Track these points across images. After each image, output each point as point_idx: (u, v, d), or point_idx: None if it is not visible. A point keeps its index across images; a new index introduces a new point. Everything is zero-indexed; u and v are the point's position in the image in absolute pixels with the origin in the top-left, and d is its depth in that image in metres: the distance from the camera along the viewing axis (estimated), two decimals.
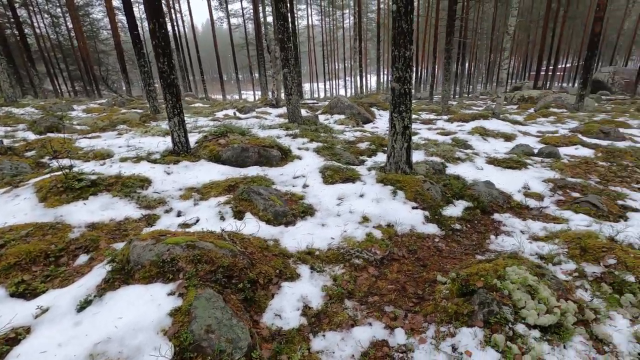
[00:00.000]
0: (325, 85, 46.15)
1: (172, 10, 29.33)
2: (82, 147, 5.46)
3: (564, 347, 1.90)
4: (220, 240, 2.52)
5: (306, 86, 53.81)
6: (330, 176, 4.43)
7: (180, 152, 5.00)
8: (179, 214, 3.46)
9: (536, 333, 1.94)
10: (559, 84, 38.07)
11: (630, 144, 6.90)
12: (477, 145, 6.82)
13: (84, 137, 6.51)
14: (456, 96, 29.46)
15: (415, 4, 35.18)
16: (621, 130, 7.86)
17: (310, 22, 40.93)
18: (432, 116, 11.05)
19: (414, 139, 7.27)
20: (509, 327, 1.96)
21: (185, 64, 32.16)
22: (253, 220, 3.21)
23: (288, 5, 6.98)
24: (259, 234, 2.98)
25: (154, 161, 4.66)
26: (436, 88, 28.00)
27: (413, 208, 3.65)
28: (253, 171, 4.64)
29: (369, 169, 4.96)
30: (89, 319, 1.86)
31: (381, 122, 9.51)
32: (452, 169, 5.27)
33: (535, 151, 6.18)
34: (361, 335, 2.03)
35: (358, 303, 2.33)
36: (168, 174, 4.34)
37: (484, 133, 7.51)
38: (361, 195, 3.88)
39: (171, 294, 2.00)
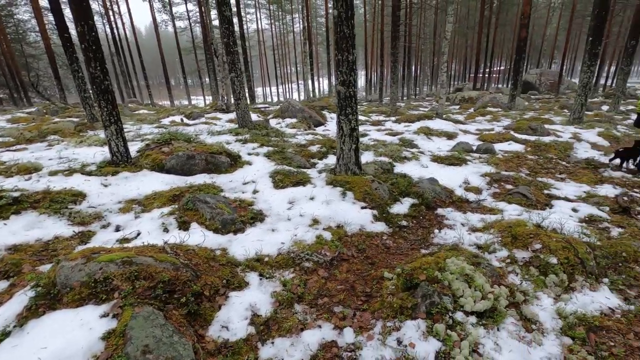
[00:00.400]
0: (278, 89, 45.98)
1: (111, 12, 27.58)
2: (3, 161, 4.92)
3: (498, 329, 2.04)
4: (161, 254, 2.39)
5: (258, 90, 53.20)
6: (280, 180, 4.40)
7: (119, 162, 4.69)
8: (117, 229, 3.24)
9: (473, 319, 2.06)
10: (495, 85, 41.19)
11: (554, 138, 7.65)
12: (423, 144, 7.17)
13: (7, 150, 5.87)
14: (404, 98, 30.79)
15: (362, 10, 36.37)
16: (546, 126, 8.68)
17: (259, 26, 40.62)
18: (381, 117, 11.44)
19: (364, 140, 7.47)
20: (449, 316, 2.07)
21: (128, 68, 30.36)
22: (199, 230, 3.09)
23: (232, 8, 6.85)
24: (206, 244, 2.87)
25: (90, 173, 4.33)
26: (386, 90, 29.08)
27: (362, 208, 3.74)
28: (200, 179, 4.47)
29: (320, 172, 5.00)
30: (6, 354, 1.67)
31: (332, 125, 9.66)
32: (399, 168, 5.47)
33: (474, 148, 6.63)
34: (310, 339, 2.03)
35: (308, 306, 2.32)
36: (105, 186, 4.05)
37: (428, 132, 7.92)
38: (311, 198, 3.90)
39: (104, 315, 1.86)
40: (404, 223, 3.66)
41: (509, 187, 4.82)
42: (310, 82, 22.29)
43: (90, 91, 11.12)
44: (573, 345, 1.94)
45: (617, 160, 5.91)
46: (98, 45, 4.32)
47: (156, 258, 2.28)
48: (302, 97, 41.35)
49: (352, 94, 4.44)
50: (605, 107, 15.11)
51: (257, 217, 3.48)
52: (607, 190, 4.72)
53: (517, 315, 2.17)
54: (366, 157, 5.87)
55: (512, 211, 3.96)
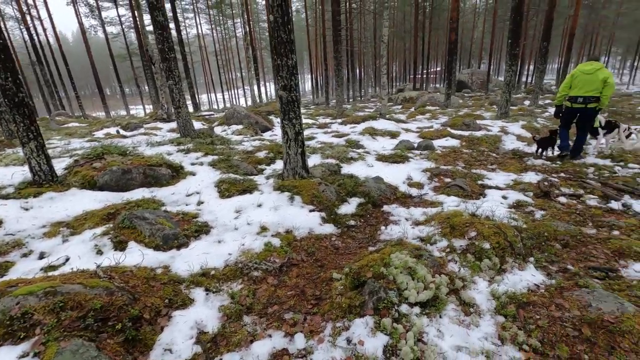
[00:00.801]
0: (224, 96, 44.81)
1: (29, 17, 25.01)
2: None
3: (440, 316, 2.15)
4: (93, 279, 2.20)
5: (203, 97, 51.47)
6: (226, 190, 4.28)
7: (42, 182, 4.24)
8: (41, 256, 2.92)
9: (417, 310, 2.15)
10: (434, 85, 43.93)
11: (485, 132, 8.31)
12: (368, 144, 7.40)
13: None
14: (351, 100, 31.62)
15: (303, 14, 36.81)
16: (478, 121, 9.41)
17: (200, 31, 39.36)
18: (328, 120, 11.63)
19: (311, 143, 7.53)
20: (395, 309, 2.14)
21: (53, 78, 27.71)
22: (138, 248, 2.89)
23: (169, 13, 6.54)
24: (145, 263, 2.69)
25: (6, 197, 3.87)
26: (332, 93, 29.71)
27: (310, 211, 3.75)
28: (138, 194, 4.19)
29: (268, 178, 4.95)
30: None
31: (280, 130, 9.61)
32: (346, 169, 5.59)
33: (415, 145, 6.98)
34: (261, 350, 1.98)
35: (257, 316, 2.27)
36: (26, 209, 3.64)
37: (373, 133, 8.20)
38: (259, 205, 3.84)
39: (24, 355, 1.66)
40: (352, 223, 3.74)
41: (448, 180, 5.14)
42: (256, 87, 22.02)
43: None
44: (505, 322, 2.10)
45: (547, 150, 6.55)
46: (7, 54, 3.88)
47: (86, 284, 2.09)
48: (249, 103, 40.78)
49: (294, 98, 4.45)
50: (527, 102, 16.74)
51: (202, 230, 3.34)
52: (531, 177, 5.22)
53: (457, 300, 2.30)
54: (314, 160, 5.92)
55: (450, 203, 4.22)
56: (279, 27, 4.17)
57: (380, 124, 9.42)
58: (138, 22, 15.50)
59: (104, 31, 27.34)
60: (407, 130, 8.99)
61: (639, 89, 34.55)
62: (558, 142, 6.32)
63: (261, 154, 6.38)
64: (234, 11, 38.22)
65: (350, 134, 8.29)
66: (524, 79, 35.56)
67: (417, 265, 2.42)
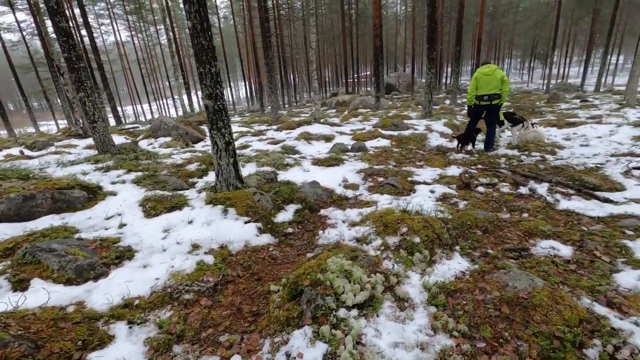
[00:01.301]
0: (151, 106, 41.99)
1: None
2: None
3: (377, 315, 2.19)
4: None
5: (129, 109, 47.76)
6: (152, 208, 3.95)
7: None
8: None
9: (355, 312, 2.16)
10: (365, 88, 45.86)
11: (412, 131, 8.85)
12: (304, 149, 7.43)
13: None
14: (286, 105, 31.68)
15: (231, 21, 36.12)
16: (405, 121, 9.99)
17: (118, 38, 36.45)
18: (263, 127, 11.47)
19: (246, 152, 7.34)
20: (333, 315, 2.12)
21: None
22: (44, 286, 2.52)
23: (68, 19, 5.85)
24: (53, 301, 2.35)
25: None
26: (268, 99, 29.56)
27: (246, 222, 3.62)
28: (46, 222, 3.68)
29: (200, 191, 4.69)
30: None
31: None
32: (283, 176, 5.52)
33: (349, 147, 7.17)
34: None
35: (189, 344, 2.10)
36: None
37: (308, 137, 8.25)
38: (190, 222, 3.60)
39: None
40: (290, 230, 3.68)
41: (381, 179, 5.34)
42: (185, 96, 20.98)
43: None
44: (437, 312, 2.21)
45: (469, 146, 7.14)
46: None
47: None
48: (180, 113, 38.70)
49: (221, 107, 4.28)
50: (447, 102, 18.25)
51: (125, 255, 3.03)
52: (453, 171, 5.65)
53: (392, 297, 2.37)
54: (249, 169, 5.76)
55: (384, 201, 4.38)
56: (199, 33, 3.98)
57: (315, 129, 9.53)
58: (42, 29, 13.84)
59: (0, 39, 23.94)
60: (341, 133, 9.21)
61: (537, 86, 39.74)
62: (481, 136, 7.05)
63: (192, 167, 6.04)
64: (155, 17, 36.10)
65: (286, 140, 8.25)
66: (443, 80, 38.83)
67: (353, 267, 2.44)
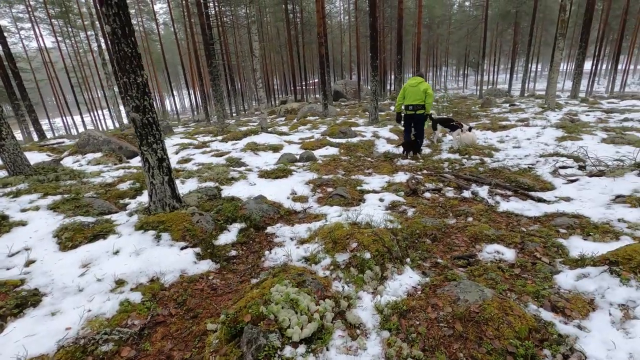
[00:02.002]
0: (83, 119, 38.55)
1: None
2: None
3: (327, 348, 1.99)
4: None
5: (57, 121, 43.49)
6: (70, 239, 3.41)
7: None
8: None
9: (302, 349, 1.94)
10: (314, 95, 46.28)
11: (360, 138, 8.91)
12: (250, 160, 7.10)
13: None
14: (234, 114, 30.82)
15: (172, 28, 34.49)
16: (353, 129, 10.07)
17: (42, 45, 33.02)
18: (208, 138, 10.91)
19: (188, 166, 6.84)
20: (277, 356, 1.88)
21: None
22: None
23: None
24: None
25: None
26: (214, 109, 28.50)
27: (182, 248, 3.25)
28: None
29: (131, 214, 4.19)
30: None
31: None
32: (227, 191, 5.17)
33: (298, 157, 6.98)
34: None
35: None
36: None
37: (255, 148, 7.94)
38: (116, 252, 3.15)
39: None
40: (233, 253, 3.38)
41: (330, 189, 5.21)
42: (121, 107, 19.48)
43: None
44: (390, 337, 2.06)
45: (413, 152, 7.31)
46: None
47: None
48: (117, 125, 35.99)
49: (151, 120, 3.87)
50: (392, 107, 18.88)
51: (29, 301, 2.52)
52: (401, 178, 5.70)
53: (343, 325, 2.18)
54: (189, 186, 5.33)
55: (334, 213, 4.23)
56: (120, 39, 3.55)
57: (263, 138, 9.24)
58: None
59: None
60: (289, 142, 9.01)
61: (471, 91, 42.96)
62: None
63: (124, 186, 5.45)
64: (85, 22, 33.31)
65: (231, 152, 7.85)
66: (388, 87, 40.42)
67: (300, 295, 2.22)
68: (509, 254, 3.14)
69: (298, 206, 4.68)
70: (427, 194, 4.92)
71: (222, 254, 3.30)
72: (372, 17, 10.70)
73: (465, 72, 52.47)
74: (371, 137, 9.07)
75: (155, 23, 31.96)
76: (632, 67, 52.43)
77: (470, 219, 4.03)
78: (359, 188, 5.23)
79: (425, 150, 7.67)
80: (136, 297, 2.55)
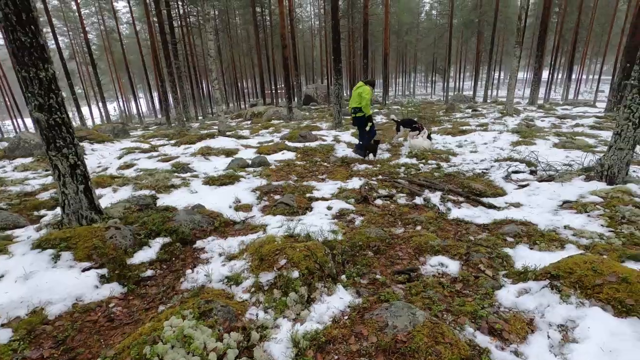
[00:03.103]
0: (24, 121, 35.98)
1: None
2: None
3: None
4: None
5: (7, 124, 40.45)
6: None
7: None
8: None
9: None
10: (284, 99, 45.83)
11: (320, 142, 8.63)
12: (199, 166, 6.63)
13: None
14: (200, 117, 29.85)
15: (139, 27, 33.05)
16: (315, 132, 9.80)
17: None
18: (161, 142, 10.28)
19: (128, 172, 6.27)
20: None
21: None
22: None
23: None
24: None
25: None
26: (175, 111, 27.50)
27: (84, 270, 2.78)
28: None
29: (40, 229, 3.67)
30: None
31: (93, 158, 7.84)
32: (164, 200, 4.71)
33: (250, 162, 6.59)
34: None
35: None
36: None
37: (207, 153, 7.46)
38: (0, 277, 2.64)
39: None
40: (149, 273, 2.95)
41: (277, 197, 4.87)
42: (75, 107, 18.26)
43: None
44: None
45: (371, 155, 7.12)
46: None
47: None
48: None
49: (59, 121, 3.38)
50: None
51: None
52: (354, 184, 5.44)
53: None
54: (121, 195, 4.81)
55: (275, 224, 3.89)
56: (15, 27, 3.06)
57: (219, 142, 8.76)
58: None
59: None
60: (247, 146, 8.59)
61: (439, 97, 44.14)
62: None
63: (46, 195, 4.86)
64: (41, 18, 31.17)
65: (180, 157, 7.32)
66: None
67: (197, 330, 1.85)
68: (453, 267, 2.92)
69: (240, 215, 4.30)
70: (379, 201, 4.68)
71: (134, 275, 2.86)
72: (333, 19, 10.52)
73: (433, 79, 53.95)
74: (331, 142, 8.82)
75: (115, 21, 30.42)
76: (584, 76, 55.94)
77: (418, 227, 3.81)
78: (308, 195, 4.92)
79: (384, 155, 7.50)
80: (3, 336, 2.08)
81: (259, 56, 28.24)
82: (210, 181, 5.43)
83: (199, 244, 3.48)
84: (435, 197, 4.73)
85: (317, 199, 4.78)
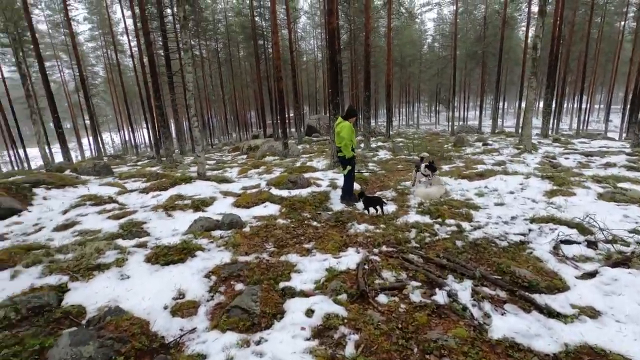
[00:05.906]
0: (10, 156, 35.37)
1: None
2: None
3: None
4: None
5: (3, 154, 39.91)
6: None
7: None
8: None
9: None
10: (290, 129, 45.27)
11: (313, 189, 7.27)
12: (155, 226, 5.25)
13: None
14: (194, 152, 28.98)
15: (131, 60, 33.10)
16: (308, 175, 8.49)
17: None
18: (136, 184, 9.00)
19: (61, 237, 4.89)
20: None
21: None
22: None
23: None
24: None
25: None
26: (163, 146, 26.74)
27: None
28: None
29: None
30: None
31: (36, 212, 6.47)
32: (77, 292, 3.31)
33: (219, 222, 5.21)
34: None
35: None
36: None
37: (172, 206, 6.10)
38: None
39: None
40: None
41: (239, 287, 3.46)
42: (46, 146, 17.26)
43: None
44: None
45: (372, 210, 5.77)
46: None
47: None
48: (39, 163, 33.14)
49: None
50: (362, 145, 17.68)
51: None
52: (350, 259, 4.02)
53: None
54: (20, 282, 3.42)
55: (218, 351, 2.47)
56: None
57: (194, 188, 7.46)
58: None
59: None
60: (226, 193, 7.26)
61: (443, 127, 43.30)
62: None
63: None
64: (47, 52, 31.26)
65: (138, 211, 5.96)
66: (360, 122, 39.95)
67: None
68: None
69: (176, 324, 2.90)
70: (383, 298, 3.24)
71: None
72: (330, 49, 9.53)
73: (437, 109, 53.43)
74: (326, 187, 7.47)
75: (115, 53, 30.39)
76: (591, 106, 55.23)
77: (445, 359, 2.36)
78: (282, 285, 3.49)
79: (389, 207, 6.11)
80: None
81: (260, 88, 27.74)
82: (155, 256, 4.02)
83: None
84: (464, 290, 3.28)
85: (293, 294, 3.35)
